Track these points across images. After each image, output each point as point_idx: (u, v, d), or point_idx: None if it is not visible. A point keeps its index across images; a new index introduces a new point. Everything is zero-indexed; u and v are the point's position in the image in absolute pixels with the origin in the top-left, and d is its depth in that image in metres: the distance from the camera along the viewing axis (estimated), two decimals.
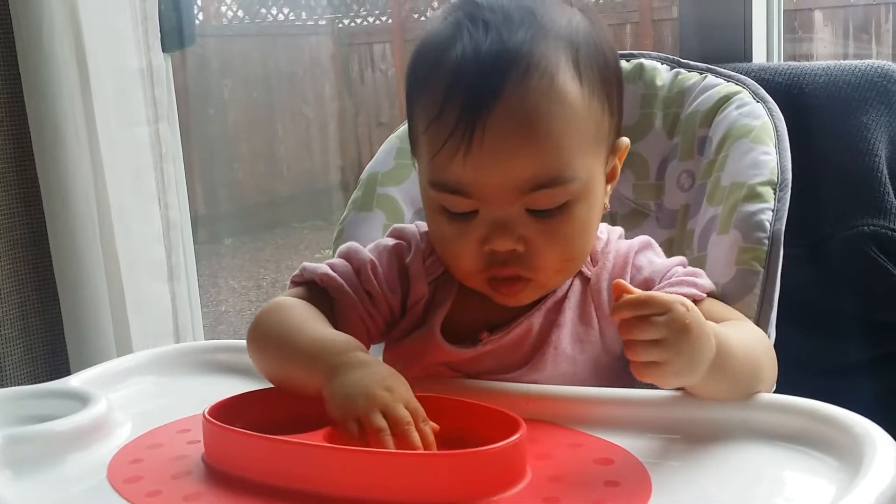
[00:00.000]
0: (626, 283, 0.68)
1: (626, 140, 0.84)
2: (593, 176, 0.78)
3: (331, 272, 0.82)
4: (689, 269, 0.83)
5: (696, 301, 0.78)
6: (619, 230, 0.88)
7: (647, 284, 0.81)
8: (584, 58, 0.77)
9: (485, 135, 0.73)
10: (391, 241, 0.87)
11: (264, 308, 0.80)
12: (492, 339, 0.81)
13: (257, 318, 0.79)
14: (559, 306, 0.82)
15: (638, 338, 0.66)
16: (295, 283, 0.84)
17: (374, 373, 0.69)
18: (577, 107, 0.75)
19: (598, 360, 0.82)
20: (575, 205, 0.77)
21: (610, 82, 0.79)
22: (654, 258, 0.85)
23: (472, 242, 0.77)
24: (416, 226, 0.88)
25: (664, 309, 0.66)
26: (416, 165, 0.84)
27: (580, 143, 0.76)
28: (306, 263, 0.84)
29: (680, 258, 0.85)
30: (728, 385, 0.71)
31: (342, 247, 0.86)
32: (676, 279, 0.81)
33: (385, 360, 0.85)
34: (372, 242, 0.88)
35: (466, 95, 0.73)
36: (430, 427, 0.65)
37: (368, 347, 0.83)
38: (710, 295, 0.82)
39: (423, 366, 0.82)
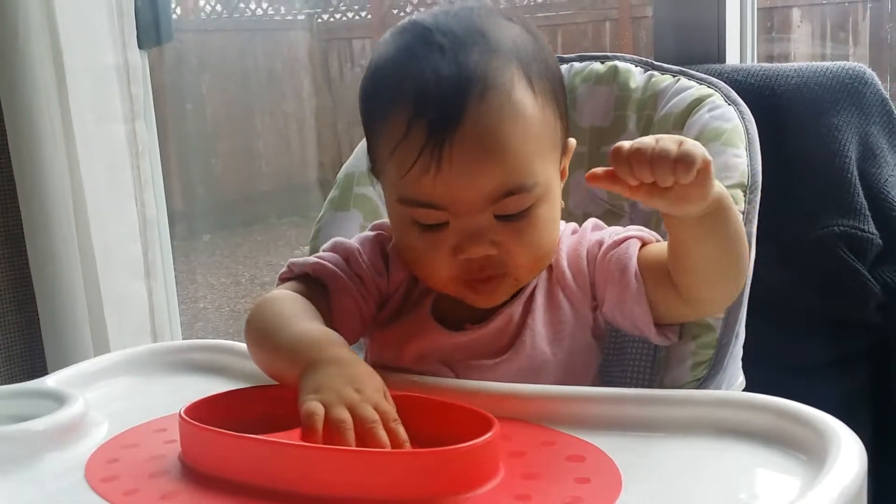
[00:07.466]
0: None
1: (573, 141, 0.89)
2: (551, 178, 0.83)
3: (322, 261, 0.86)
4: (631, 226, 0.87)
5: (645, 243, 0.84)
6: (572, 225, 0.91)
7: (599, 245, 0.86)
8: (534, 71, 0.81)
9: (453, 153, 0.77)
10: (372, 233, 0.91)
11: (257, 302, 0.83)
12: (475, 328, 0.85)
13: (251, 312, 0.82)
14: (531, 295, 0.86)
15: (642, 169, 0.69)
16: (283, 279, 0.87)
17: (348, 372, 0.70)
18: (533, 117, 0.80)
19: (575, 339, 0.85)
20: (538, 207, 0.81)
21: (557, 90, 0.85)
22: (599, 231, 0.89)
23: (446, 253, 0.81)
24: None
25: (653, 140, 0.69)
26: (376, 183, 0.89)
27: (539, 150, 0.81)
28: (293, 259, 0.87)
29: (619, 227, 0.89)
30: (723, 244, 0.76)
31: (327, 243, 0.90)
32: (622, 229, 0.86)
33: (374, 345, 0.89)
34: (354, 237, 0.91)
35: (432, 117, 0.77)
36: (401, 427, 0.66)
37: (362, 331, 0.87)
38: None
39: (413, 349, 0.85)
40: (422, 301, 0.88)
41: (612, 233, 0.87)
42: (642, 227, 0.87)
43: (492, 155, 0.78)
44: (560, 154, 0.86)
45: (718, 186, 0.73)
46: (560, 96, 0.85)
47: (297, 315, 0.79)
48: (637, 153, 0.69)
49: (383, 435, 0.65)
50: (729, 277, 0.79)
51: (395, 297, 0.89)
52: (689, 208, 0.72)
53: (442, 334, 0.86)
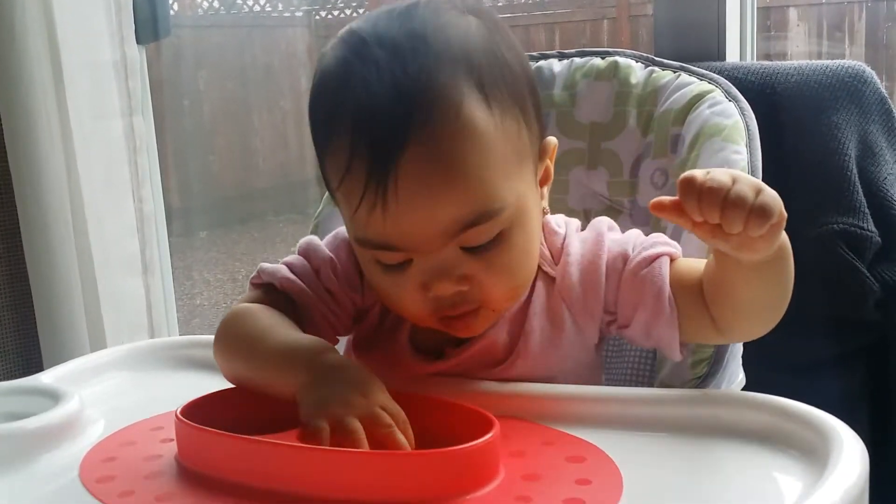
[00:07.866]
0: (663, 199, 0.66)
1: (553, 140, 0.81)
2: (523, 198, 0.75)
3: (290, 275, 0.81)
4: (653, 234, 0.82)
5: (672, 259, 0.79)
6: (575, 222, 0.85)
7: (623, 259, 0.80)
8: (487, 77, 0.72)
9: (398, 187, 0.69)
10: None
11: (227, 315, 0.78)
12: (455, 352, 0.80)
13: (222, 326, 0.78)
14: (523, 313, 0.80)
15: (712, 212, 0.63)
16: (254, 285, 0.83)
17: (349, 377, 0.67)
18: (489, 134, 0.71)
19: (578, 358, 0.82)
20: (510, 232, 0.73)
21: (520, 92, 0.75)
22: (616, 237, 0.82)
23: (414, 291, 0.74)
24: None
25: (729, 180, 0.63)
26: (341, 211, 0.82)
27: (502, 171, 0.72)
28: (264, 265, 0.82)
29: (636, 230, 0.83)
30: (775, 290, 0.72)
31: (301, 242, 0.84)
32: (649, 242, 0.80)
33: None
34: (331, 233, 0.86)
35: (371, 149, 0.69)
36: (409, 428, 0.65)
37: (336, 343, 0.83)
38: None
39: (392, 376, 0.82)
40: (397, 329, 0.82)
41: (636, 244, 0.80)
42: (667, 239, 0.81)
43: (443, 184, 0.69)
44: (533, 163, 0.77)
45: (782, 235, 0.67)
46: (526, 100, 0.76)
47: (276, 325, 0.76)
48: (710, 192, 0.63)
49: (402, 438, 0.63)
50: (770, 319, 0.75)
51: (372, 313, 0.83)
52: (749, 256, 0.67)
53: (422, 364, 0.81)
